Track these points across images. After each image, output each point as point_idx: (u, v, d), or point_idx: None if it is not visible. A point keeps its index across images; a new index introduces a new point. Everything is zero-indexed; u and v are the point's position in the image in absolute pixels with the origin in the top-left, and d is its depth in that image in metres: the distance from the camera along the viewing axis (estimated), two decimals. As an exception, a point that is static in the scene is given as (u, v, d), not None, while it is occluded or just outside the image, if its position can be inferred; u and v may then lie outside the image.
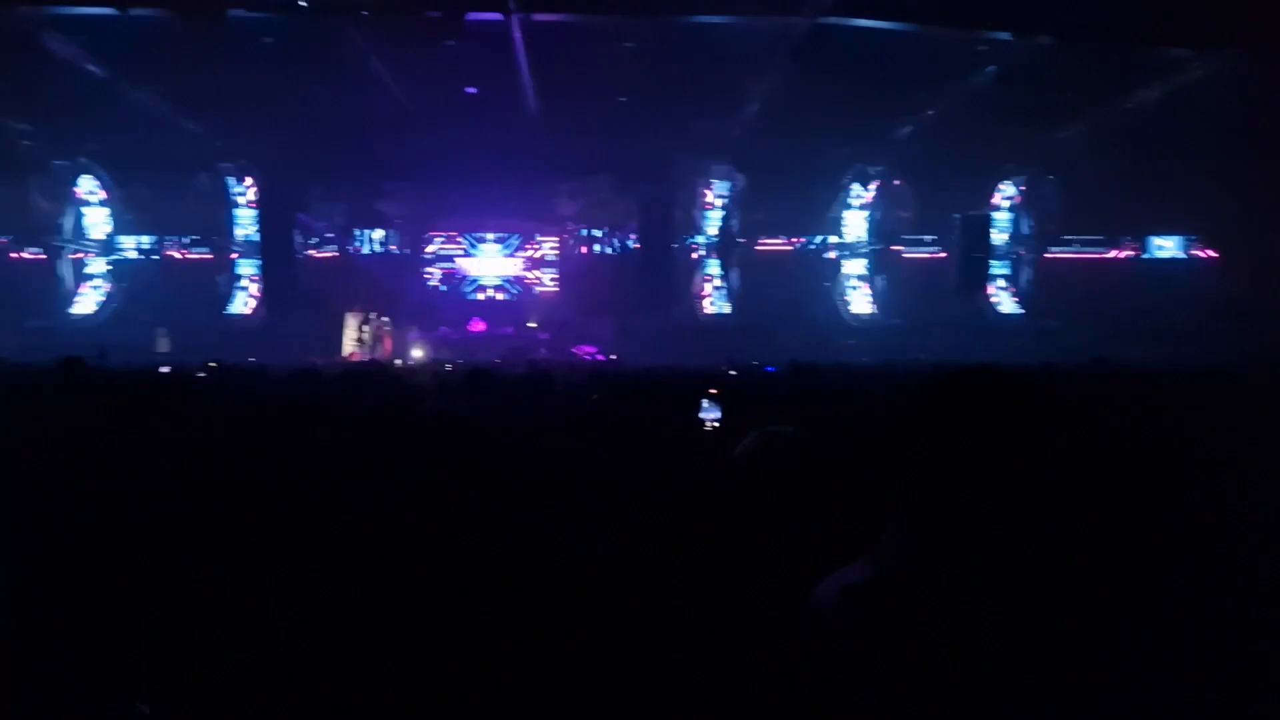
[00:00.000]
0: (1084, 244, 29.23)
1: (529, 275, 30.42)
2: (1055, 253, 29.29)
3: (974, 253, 26.64)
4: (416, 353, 26.32)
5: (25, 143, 26.64)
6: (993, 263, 28.04)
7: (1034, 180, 28.78)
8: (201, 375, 9.34)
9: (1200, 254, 28.59)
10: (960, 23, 18.20)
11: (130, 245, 29.25)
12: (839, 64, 18.68)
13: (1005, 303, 29.43)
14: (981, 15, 17.83)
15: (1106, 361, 10.06)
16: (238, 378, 8.69)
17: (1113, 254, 29.29)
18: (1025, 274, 29.62)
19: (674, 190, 27.49)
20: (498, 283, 30.28)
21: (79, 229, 28.95)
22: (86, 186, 28.62)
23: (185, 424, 4.23)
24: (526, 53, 19.34)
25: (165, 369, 8.49)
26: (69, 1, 16.65)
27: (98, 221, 29.05)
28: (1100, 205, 27.37)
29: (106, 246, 29.15)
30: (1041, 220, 29.17)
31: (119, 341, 23.56)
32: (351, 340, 27.13)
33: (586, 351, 26.33)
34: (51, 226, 28.29)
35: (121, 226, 29.14)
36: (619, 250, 29.17)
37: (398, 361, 23.22)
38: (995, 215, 28.58)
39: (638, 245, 27.42)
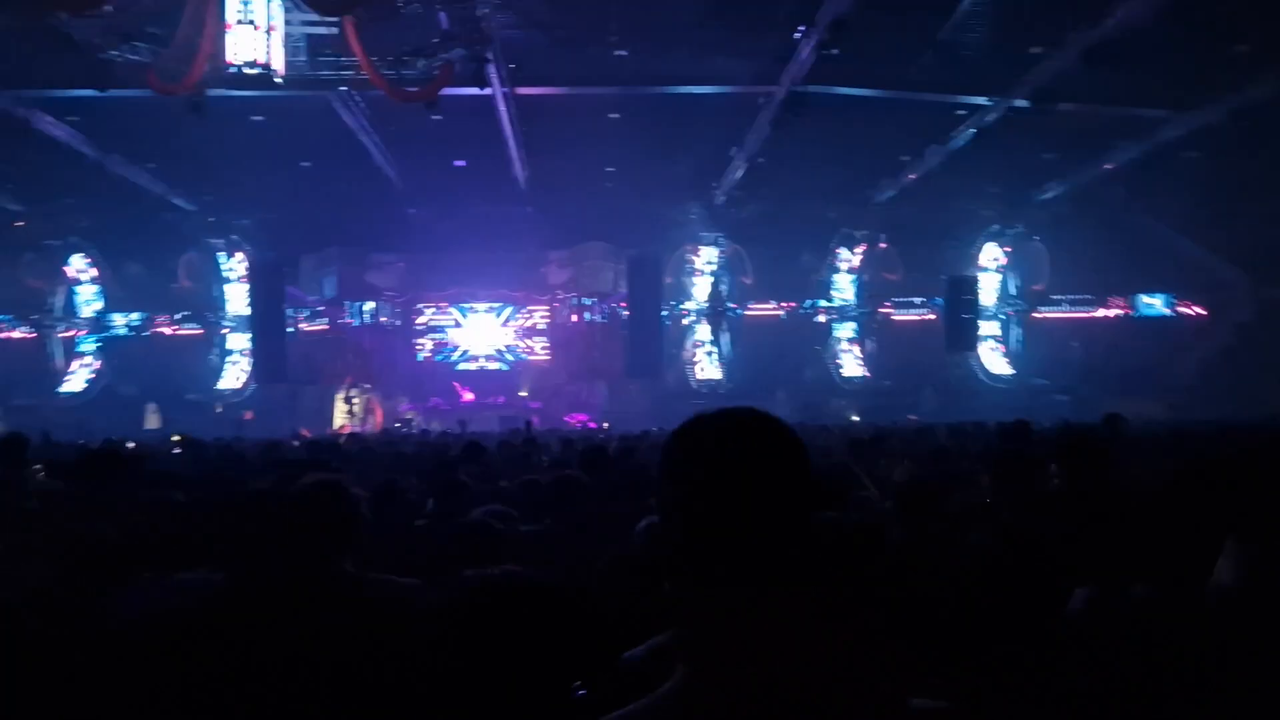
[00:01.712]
0: (1072, 303, 29.36)
1: (520, 344, 30.45)
2: (1044, 312, 29.41)
3: (962, 313, 26.71)
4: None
5: (17, 223, 26.85)
6: (981, 323, 28.10)
7: (1019, 241, 29.03)
8: (176, 451, 9.26)
9: (1187, 311, 28.68)
10: (936, 88, 18.48)
11: (121, 322, 29.29)
12: (820, 131, 18.94)
13: (995, 362, 29.46)
14: (957, 81, 18.11)
15: (1120, 419, 9.91)
16: (205, 454, 8.61)
17: (1101, 312, 29.38)
18: (1014, 334, 29.71)
19: (662, 257, 27.68)
20: (489, 352, 30.27)
21: (70, 307, 29.03)
22: (77, 265, 28.76)
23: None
24: (513, 125, 19.61)
25: (130, 444, 8.41)
26: (57, 84, 16.88)
27: (88, 299, 29.14)
28: (1087, 264, 27.58)
29: (97, 324, 29.19)
30: (1028, 280, 29.35)
31: (108, 419, 23.59)
32: (342, 412, 27.06)
33: (578, 419, 26.22)
34: (42, 305, 28.35)
35: (112, 304, 29.20)
36: (609, 317, 29.23)
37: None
38: (982, 276, 28.72)
39: (628, 312, 27.48)
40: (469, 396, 28.24)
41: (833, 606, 1.14)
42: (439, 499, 4.91)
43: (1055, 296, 29.30)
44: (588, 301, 29.56)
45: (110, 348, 29.22)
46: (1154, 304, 29.29)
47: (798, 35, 15.77)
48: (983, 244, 29.34)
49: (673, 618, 1.20)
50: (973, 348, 28.12)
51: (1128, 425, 10.45)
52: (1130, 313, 29.35)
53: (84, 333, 29.17)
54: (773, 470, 1.17)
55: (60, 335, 28.87)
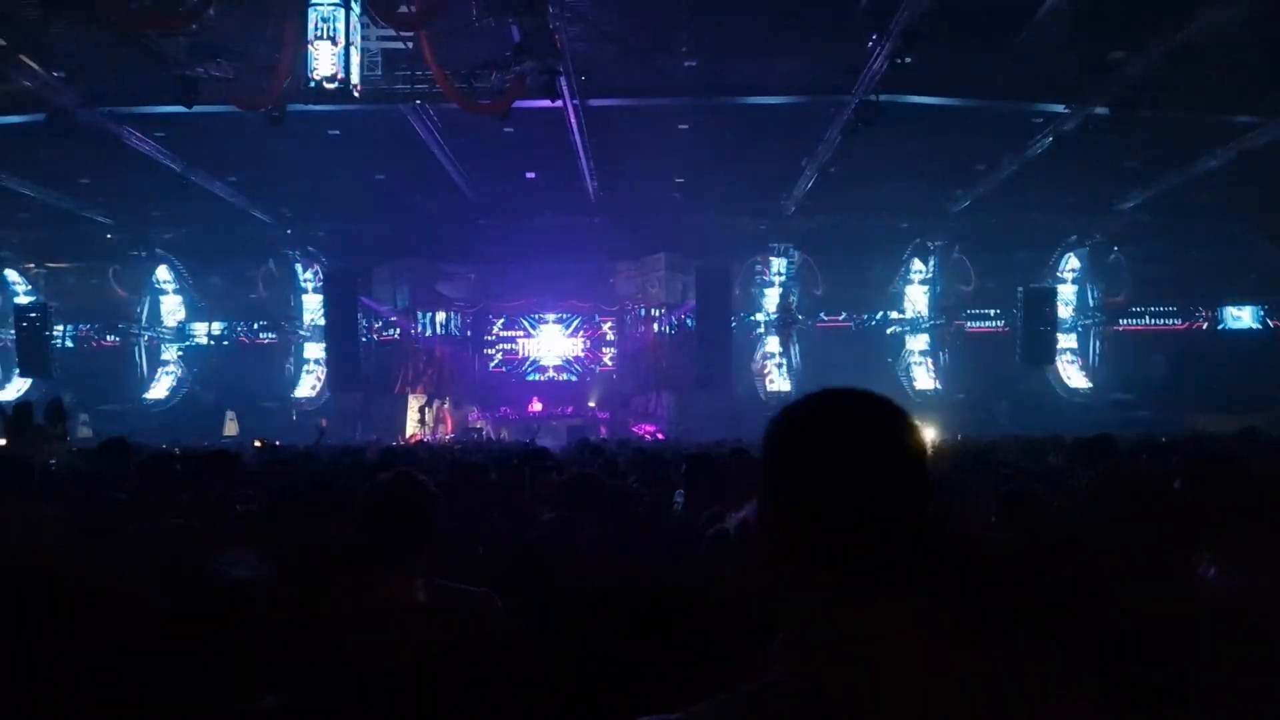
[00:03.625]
0: (1154, 315, 28.52)
1: (588, 355, 30.61)
2: (1124, 325, 28.63)
3: (1039, 326, 26.09)
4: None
5: (107, 235, 27.85)
6: (1059, 336, 27.45)
7: (1098, 251, 28.29)
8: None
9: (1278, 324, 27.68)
10: (1013, 96, 18.13)
11: (202, 331, 30.20)
12: (893, 139, 18.67)
13: (1074, 376, 28.74)
14: (1034, 88, 17.74)
15: (1257, 431, 9.48)
16: (282, 456, 8.80)
17: (1185, 325, 28.50)
18: (1093, 347, 28.95)
19: (732, 268, 27.59)
20: (558, 363, 30.50)
21: (155, 316, 29.98)
22: (162, 276, 29.70)
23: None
24: (583, 137, 19.73)
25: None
26: (145, 101, 17.44)
27: (172, 309, 30.10)
28: (1170, 275, 26.77)
29: (179, 333, 30.12)
30: (1108, 292, 28.60)
31: (189, 425, 24.30)
32: (414, 421, 27.45)
33: (646, 430, 26.24)
34: (128, 314, 29.32)
35: (194, 313, 30.13)
36: (677, 328, 29.23)
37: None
38: (1059, 287, 28.05)
39: (696, 323, 27.45)
40: (537, 407, 28.46)
41: (949, 620, 1.05)
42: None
43: (1136, 309, 28.51)
44: (656, 312, 29.59)
45: (192, 356, 30.15)
46: (1242, 316, 28.32)
47: (870, 43, 15.59)
48: (1060, 254, 28.67)
49: (777, 611, 1.08)
50: (1050, 361, 27.46)
51: (1265, 436, 10.06)
52: (1215, 325, 28.43)
53: (167, 341, 30.12)
54: (906, 462, 1.06)
55: (145, 343, 29.81)
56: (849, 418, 1.08)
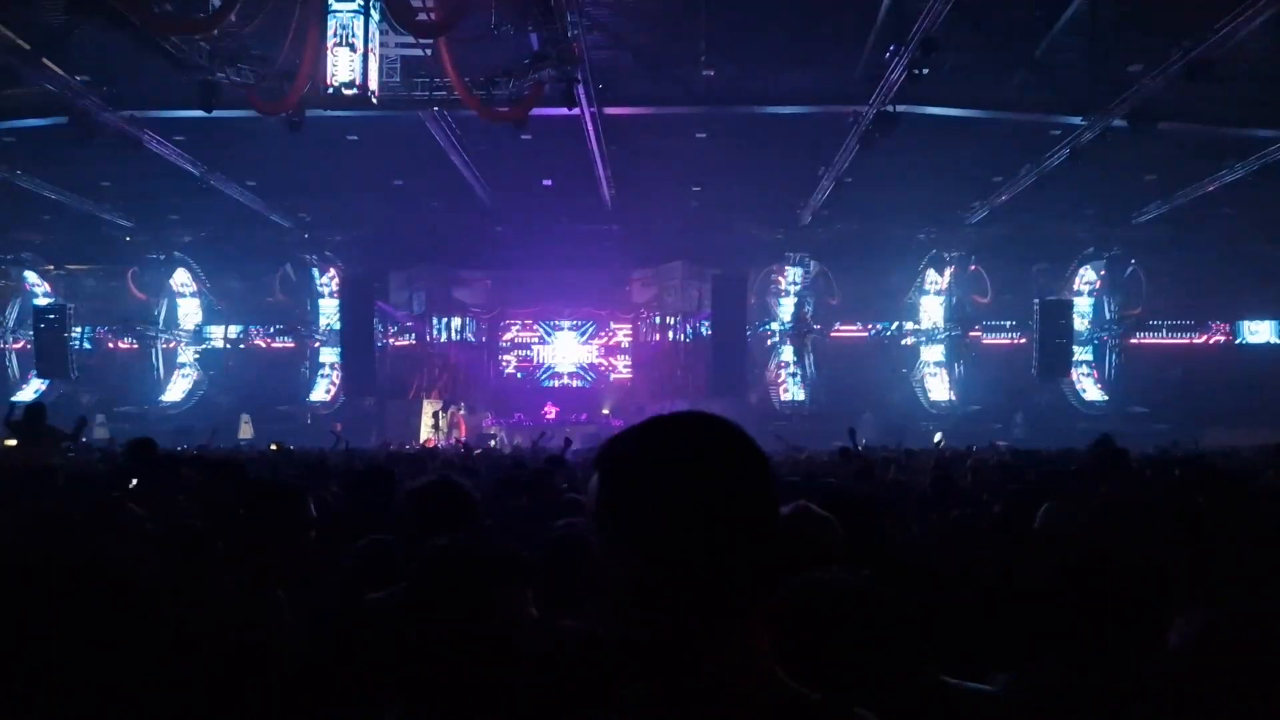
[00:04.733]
0: (1171, 329, 28.36)
1: (603, 362, 30.63)
2: (1141, 338, 28.47)
3: (1055, 338, 25.99)
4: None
5: (126, 238, 28.05)
6: (1075, 348, 27.30)
7: (1115, 264, 28.15)
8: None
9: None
10: (1030, 108, 18.07)
11: (218, 335, 30.35)
12: (910, 150, 18.66)
13: (1089, 389, 28.58)
14: (1052, 100, 17.67)
15: None
16: (297, 458, 8.84)
17: (1202, 339, 28.32)
18: (1109, 360, 28.80)
19: (747, 276, 27.59)
20: (573, 369, 30.53)
21: (172, 319, 30.15)
22: (180, 279, 29.87)
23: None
24: (600, 145, 19.77)
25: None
26: (166, 105, 17.58)
27: (189, 312, 30.27)
28: (1187, 288, 26.61)
29: (196, 336, 30.29)
30: (1125, 305, 28.45)
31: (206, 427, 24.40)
32: (428, 426, 27.50)
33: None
34: (146, 317, 29.50)
35: (211, 316, 30.28)
36: (692, 337, 29.23)
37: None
38: (1076, 300, 27.91)
39: (711, 331, 27.45)
40: (552, 413, 28.49)
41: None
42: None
43: (1153, 322, 28.36)
44: (672, 320, 29.61)
45: (208, 359, 30.30)
46: (1260, 330, 28.14)
47: (888, 54, 15.57)
48: (1077, 267, 28.54)
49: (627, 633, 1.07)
50: (1065, 374, 27.34)
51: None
52: (1233, 339, 28.24)
53: (184, 344, 30.29)
54: (752, 484, 1.07)
55: (162, 346, 29.99)
56: (691, 440, 1.09)
